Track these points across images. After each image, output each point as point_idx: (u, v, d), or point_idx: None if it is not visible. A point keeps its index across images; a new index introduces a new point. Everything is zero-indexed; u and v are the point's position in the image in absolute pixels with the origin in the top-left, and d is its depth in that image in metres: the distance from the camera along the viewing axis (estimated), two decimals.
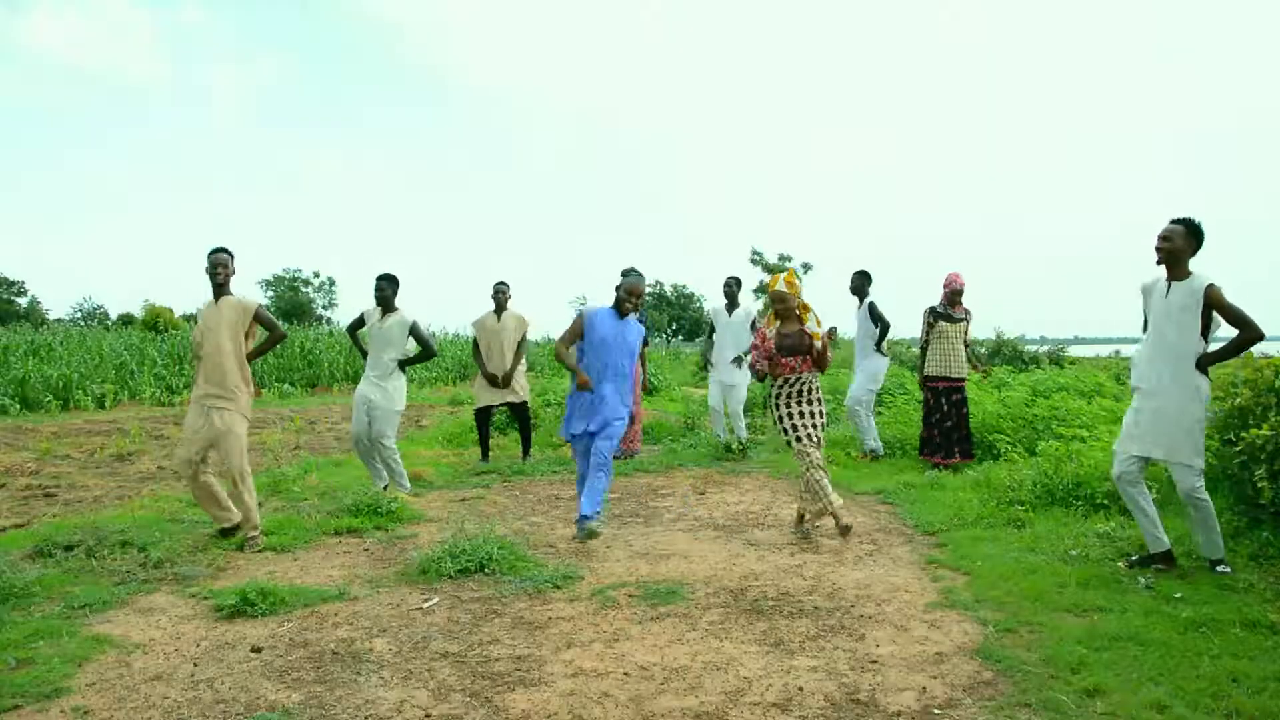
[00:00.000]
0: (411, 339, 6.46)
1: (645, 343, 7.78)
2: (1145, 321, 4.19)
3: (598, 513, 4.95)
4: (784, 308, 5.09)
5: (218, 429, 4.97)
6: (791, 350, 5.07)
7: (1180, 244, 3.97)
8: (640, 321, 6.99)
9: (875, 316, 7.94)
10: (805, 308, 5.12)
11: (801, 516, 5.19)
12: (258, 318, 5.12)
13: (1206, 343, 3.98)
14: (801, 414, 5.13)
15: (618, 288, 5.22)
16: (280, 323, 5.28)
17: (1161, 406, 4.01)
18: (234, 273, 5.13)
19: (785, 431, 5.16)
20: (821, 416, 5.16)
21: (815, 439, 5.10)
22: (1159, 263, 4.06)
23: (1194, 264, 4.03)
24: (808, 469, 5.02)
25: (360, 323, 6.62)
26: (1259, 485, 4.06)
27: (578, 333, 5.18)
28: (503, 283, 7.96)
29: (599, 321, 5.13)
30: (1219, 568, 4.00)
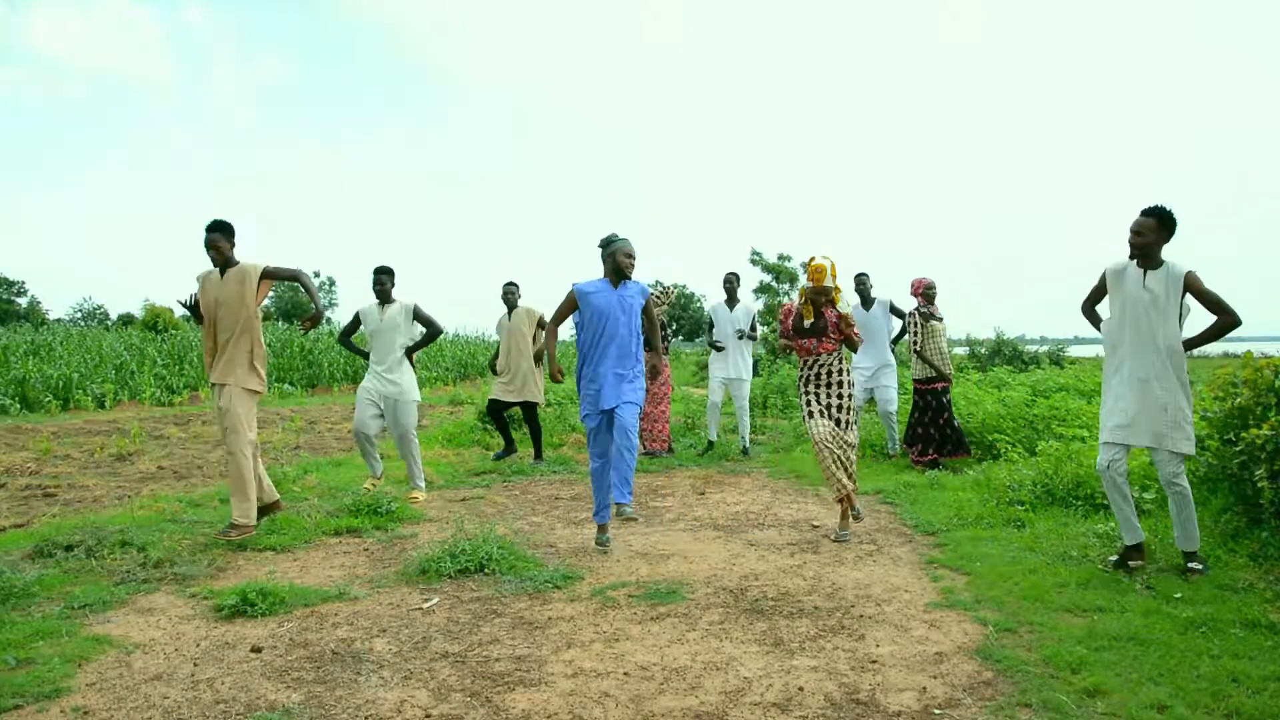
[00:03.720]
0: (416, 323, 6.48)
1: (666, 338, 7.82)
2: (1111, 306, 4.18)
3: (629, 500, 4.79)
4: (824, 301, 5.01)
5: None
6: (808, 333, 5.05)
7: (1152, 237, 3.98)
8: (656, 299, 6.92)
9: (897, 313, 7.90)
10: (838, 290, 5.07)
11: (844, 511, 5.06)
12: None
13: (1180, 329, 4.00)
14: (818, 397, 5.08)
15: (607, 256, 4.90)
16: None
17: (1152, 395, 4.00)
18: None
19: (804, 413, 5.14)
20: (845, 399, 5.05)
21: (837, 418, 5.03)
22: (1132, 256, 4.06)
23: (1165, 251, 4.04)
24: (816, 447, 5.02)
25: (354, 326, 6.58)
26: (1259, 485, 4.06)
27: (571, 307, 4.95)
28: (511, 283, 8.05)
29: (593, 293, 4.86)
30: (1191, 563, 4.00)
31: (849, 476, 5.02)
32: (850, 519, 5.17)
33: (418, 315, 6.45)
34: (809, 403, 5.11)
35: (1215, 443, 4.54)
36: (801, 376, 5.19)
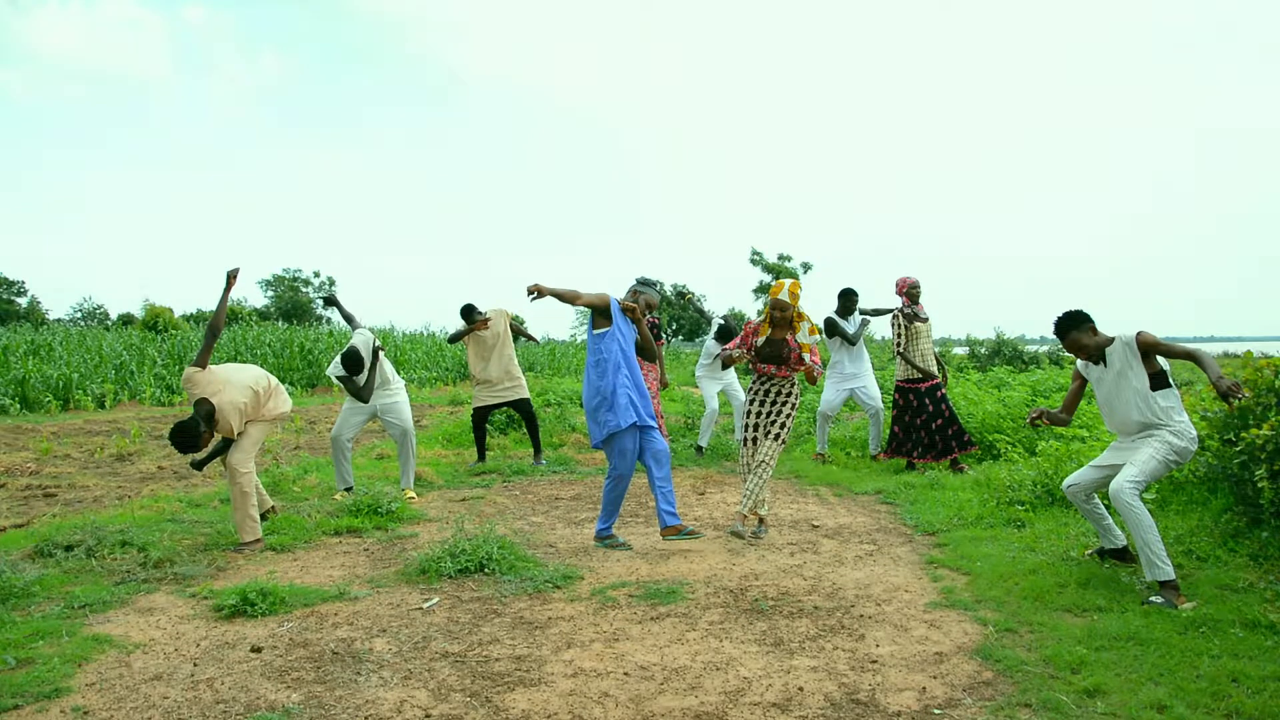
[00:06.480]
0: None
1: (660, 339, 7.92)
2: (1096, 392, 4.21)
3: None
4: (781, 317, 5.08)
5: None
6: (768, 359, 5.13)
7: (1086, 340, 4.04)
8: (654, 323, 7.23)
9: (871, 313, 8.08)
10: (801, 316, 5.12)
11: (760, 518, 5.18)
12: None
13: (1169, 375, 3.97)
14: (759, 414, 5.19)
15: (638, 295, 5.66)
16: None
17: (1140, 444, 3.99)
18: None
19: (741, 428, 5.32)
20: (784, 417, 5.12)
21: (768, 430, 5.12)
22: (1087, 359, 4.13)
23: (1103, 326, 4.10)
24: (745, 467, 5.16)
25: (358, 369, 6.27)
26: (1259, 485, 4.06)
27: (604, 309, 4.96)
28: (469, 304, 7.86)
29: (617, 314, 5.00)
30: (1153, 597, 3.66)
31: (750, 496, 5.02)
32: (751, 518, 5.16)
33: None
34: (745, 426, 5.23)
35: (1215, 443, 4.53)
36: (751, 389, 5.28)
